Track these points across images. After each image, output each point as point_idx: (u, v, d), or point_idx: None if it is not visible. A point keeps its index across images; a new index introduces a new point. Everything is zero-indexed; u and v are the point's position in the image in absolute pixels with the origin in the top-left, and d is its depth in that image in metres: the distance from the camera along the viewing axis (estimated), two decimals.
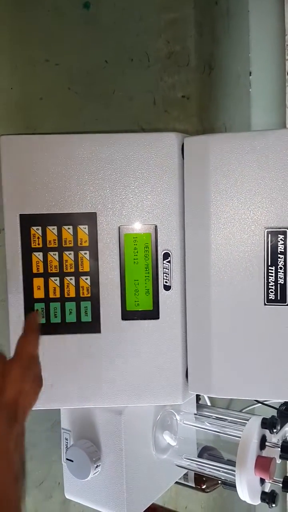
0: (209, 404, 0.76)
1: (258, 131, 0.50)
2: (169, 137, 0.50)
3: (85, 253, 0.51)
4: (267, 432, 0.56)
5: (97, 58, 0.71)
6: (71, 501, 0.63)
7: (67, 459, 0.55)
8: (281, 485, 0.55)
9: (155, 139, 0.50)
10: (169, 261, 0.52)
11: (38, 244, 0.50)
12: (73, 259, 0.51)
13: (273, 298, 0.50)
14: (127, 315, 0.51)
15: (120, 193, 0.50)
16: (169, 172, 0.50)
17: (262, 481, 0.55)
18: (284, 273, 0.49)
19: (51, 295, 0.51)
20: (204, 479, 0.70)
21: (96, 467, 0.55)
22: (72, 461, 0.55)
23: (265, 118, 1.11)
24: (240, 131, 0.97)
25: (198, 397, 0.70)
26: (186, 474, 0.73)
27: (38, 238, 0.50)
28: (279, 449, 0.55)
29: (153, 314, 0.52)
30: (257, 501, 0.55)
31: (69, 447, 0.56)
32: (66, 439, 0.59)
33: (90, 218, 0.50)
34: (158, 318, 0.52)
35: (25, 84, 0.62)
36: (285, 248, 0.49)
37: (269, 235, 0.49)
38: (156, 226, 0.51)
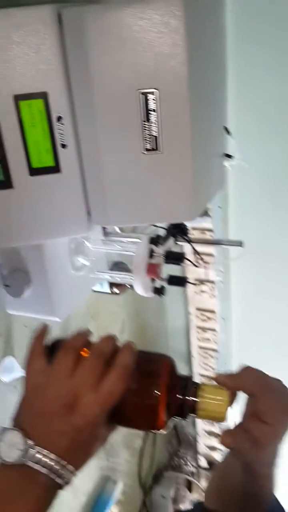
0: (118, 231, 0.93)
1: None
2: (44, 11, 0.56)
3: None
4: (154, 246, 0.74)
5: None
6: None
7: (4, 285, 0.72)
8: (166, 282, 0.76)
9: (28, 15, 0.55)
10: (62, 123, 0.61)
11: None
12: None
13: (150, 148, 0.62)
14: (33, 171, 0.63)
15: (11, 66, 0.57)
16: (50, 43, 0.57)
17: (153, 280, 0.76)
18: (157, 126, 0.61)
19: None
20: (115, 285, 0.91)
21: (28, 288, 0.72)
22: (9, 286, 0.72)
23: None
24: None
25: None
26: (102, 284, 0.94)
27: None
28: (164, 257, 0.75)
29: (55, 169, 0.63)
30: (150, 294, 0.76)
31: (4, 275, 0.72)
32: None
33: None
34: (60, 171, 0.64)
35: None
36: (156, 106, 0.60)
37: (142, 95, 0.60)
38: (46, 93, 0.60)
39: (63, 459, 0.42)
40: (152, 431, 0.50)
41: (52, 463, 0.42)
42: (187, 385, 0.49)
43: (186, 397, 0.48)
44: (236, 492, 0.53)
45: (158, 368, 0.49)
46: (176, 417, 0.49)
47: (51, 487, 0.42)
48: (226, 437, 0.48)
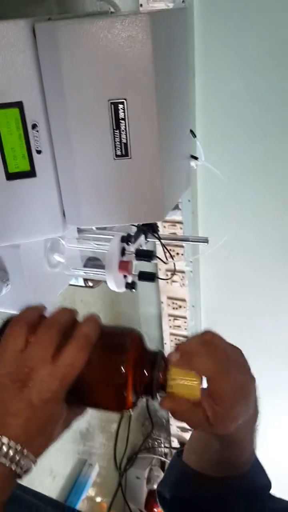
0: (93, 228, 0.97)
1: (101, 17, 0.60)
2: (19, 25, 0.59)
3: None
4: (125, 244, 0.79)
5: None
6: None
7: None
8: (137, 277, 0.81)
9: (3, 30, 0.58)
10: (37, 130, 0.65)
11: None
12: None
13: (120, 154, 0.67)
14: (10, 176, 0.66)
15: None
16: (25, 56, 0.60)
17: (125, 276, 0.81)
18: (126, 134, 0.65)
19: None
20: (89, 279, 0.96)
21: (7, 285, 0.76)
22: None
23: None
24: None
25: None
26: (77, 278, 0.98)
27: None
28: (135, 255, 0.80)
29: (31, 173, 0.67)
30: (122, 289, 0.81)
31: None
32: None
33: None
34: (35, 176, 0.67)
35: None
36: (125, 115, 0.64)
37: (112, 105, 0.64)
38: (22, 102, 0.63)
39: (17, 443, 0.37)
40: (120, 411, 0.45)
41: (5, 448, 0.37)
42: (157, 360, 0.45)
43: (156, 374, 0.44)
44: (212, 456, 0.50)
45: (125, 342, 0.45)
46: (145, 395, 0.45)
47: (7, 476, 0.37)
48: (166, 400, 0.45)
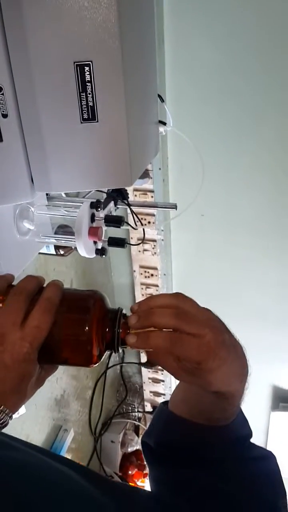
0: (63, 195, 0.97)
1: None
2: None
3: None
4: (95, 210, 0.80)
5: None
6: None
7: None
8: (107, 243, 0.82)
9: None
10: (2, 94, 0.64)
11: None
12: None
13: (87, 117, 0.66)
14: None
15: None
16: None
17: (95, 242, 0.81)
18: (92, 97, 0.65)
19: None
20: (61, 247, 0.96)
21: None
22: None
23: None
24: None
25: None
26: (48, 247, 0.98)
27: None
28: (104, 221, 0.80)
29: None
30: (92, 255, 0.82)
31: None
32: None
33: None
34: (1, 140, 0.66)
35: None
36: (91, 78, 0.64)
37: (78, 67, 0.63)
38: None
39: None
40: (87, 365, 0.49)
41: None
42: (117, 317, 0.49)
43: (116, 330, 0.48)
44: (206, 407, 0.51)
45: (87, 304, 0.49)
46: (108, 350, 0.49)
47: None
48: (132, 336, 0.45)
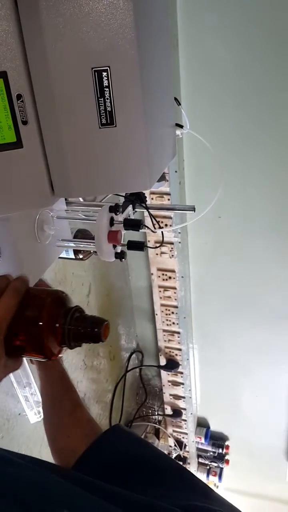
0: (81, 200, 0.98)
1: None
2: None
3: None
4: (114, 214, 0.80)
5: None
6: None
7: None
8: (126, 247, 0.82)
9: None
10: (22, 101, 0.65)
11: None
12: None
13: (105, 122, 0.67)
14: None
15: None
16: (6, 25, 0.60)
17: (114, 246, 0.82)
18: (111, 102, 0.65)
19: None
20: (80, 251, 0.97)
21: None
22: None
23: None
24: None
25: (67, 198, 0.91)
26: (68, 251, 0.99)
27: None
28: (123, 225, 0.81)
29: (17, 144, 0.67)
30: (112, 259, 0.82)
31: None
32: None
33: None
34: (22, 147, 0.67)
35: None
36: (109, 83, 0.64)
37: (96, 73, 0.64)
38: (6, 72, 0.62)
39: None
40: (47, 359, 0.56)
41: None
42: (69, 315, 0.55)
43: (66, 326, 0.54)
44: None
45: (44, 301, 0.56)
46: (63, 345, 0.56)
47: None
48: None
